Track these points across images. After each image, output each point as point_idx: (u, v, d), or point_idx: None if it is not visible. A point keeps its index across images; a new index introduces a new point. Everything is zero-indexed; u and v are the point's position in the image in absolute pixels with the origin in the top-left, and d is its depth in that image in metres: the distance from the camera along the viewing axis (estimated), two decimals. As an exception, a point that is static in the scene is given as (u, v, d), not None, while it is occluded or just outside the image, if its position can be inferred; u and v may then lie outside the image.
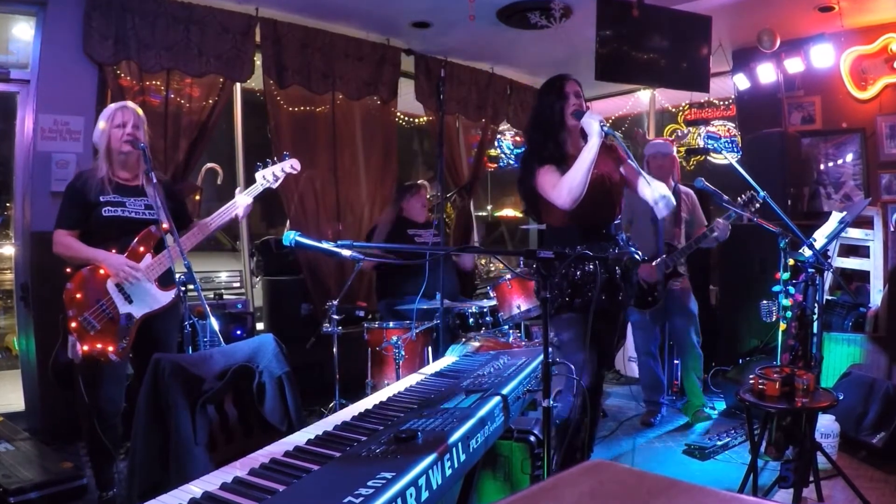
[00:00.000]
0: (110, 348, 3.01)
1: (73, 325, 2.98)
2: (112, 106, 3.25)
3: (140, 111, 3.26)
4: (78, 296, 3.02)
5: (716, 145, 7.29)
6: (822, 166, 5.92)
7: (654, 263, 4.40)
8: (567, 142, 3.06)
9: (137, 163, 3.22)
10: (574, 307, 2.96)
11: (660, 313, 4.62)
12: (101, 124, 3.18)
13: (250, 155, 5.65)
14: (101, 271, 3.06)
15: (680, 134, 7.33)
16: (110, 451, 3.18)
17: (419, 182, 5.19)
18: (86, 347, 2.99)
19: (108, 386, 3.14)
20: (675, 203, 3.15)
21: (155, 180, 3.08)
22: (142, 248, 3.12)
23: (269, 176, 3.43)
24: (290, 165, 3.48)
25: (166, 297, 3.16)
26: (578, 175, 2.86)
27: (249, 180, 5.52)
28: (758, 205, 3.92)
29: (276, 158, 3.49)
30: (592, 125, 2.89)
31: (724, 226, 4.21)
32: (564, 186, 2.88)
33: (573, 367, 2.83)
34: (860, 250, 5.17)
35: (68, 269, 3.10)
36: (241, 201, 3.36)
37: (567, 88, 3.03)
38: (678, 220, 4.56)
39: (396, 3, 5.03)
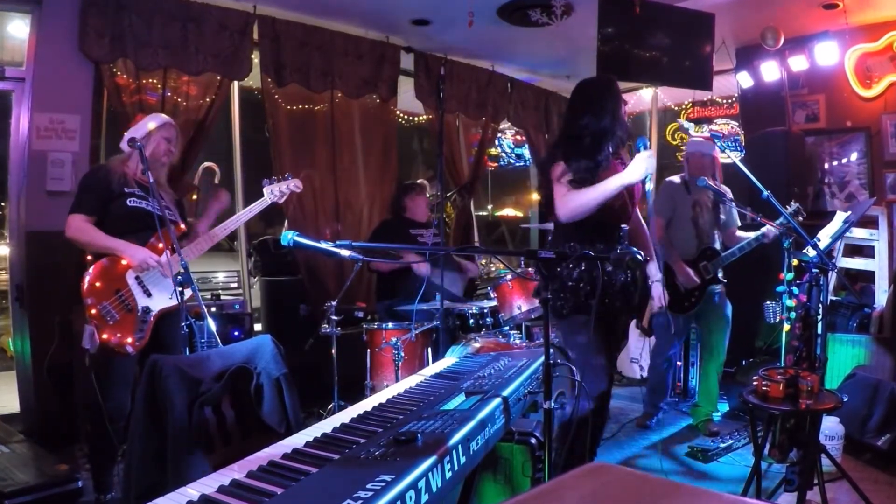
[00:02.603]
0: (128, 339, 3.04)
1: (93, 311, 2.99)
2: (165, 117, 3.43)
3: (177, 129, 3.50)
4: (98, 285, 3.04)
5: (719, 144, 7.23)
6: (826, 165, 5.89)
7: (696, 268, 4.34)
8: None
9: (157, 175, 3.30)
10: (589, 309, 2.93)
11: (691, 318, 4.56)
12: (152, 125, 3.31)
13: (248, 154, 5.63)
14: (124, 262, 3.09)
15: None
16: (115, 452, 3.18)
17: (420, 181, 5.16)
18: (105, 336, 3.00)
19: (117, 388, 3.14)
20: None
21: (152, 179, 3.08)
22: (161, 245, 3.16)
23: (277, 192, 3.62)
24: (295, 185, 3.69)
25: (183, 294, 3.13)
26: (593, 200, 2.82)
27: (247, 180, 5.57)
28: (801, 217, 3.87)
29: (280, 177, 3.69)
30: (640, 168, 2.79)
31: (776, 233, 4.00)
32: (573, 203, 2.84)
33: (590, 370, 2.80)
34: (865, 250, 5.15)
35: (89, 257, 3.12)
36: (244, 216, 3.55)
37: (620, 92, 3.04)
38: (717, 223, 4.48)
39: (396, 0, 4.99)
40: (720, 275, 4.42)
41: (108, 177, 3.19)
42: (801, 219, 3.89)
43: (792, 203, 4.01)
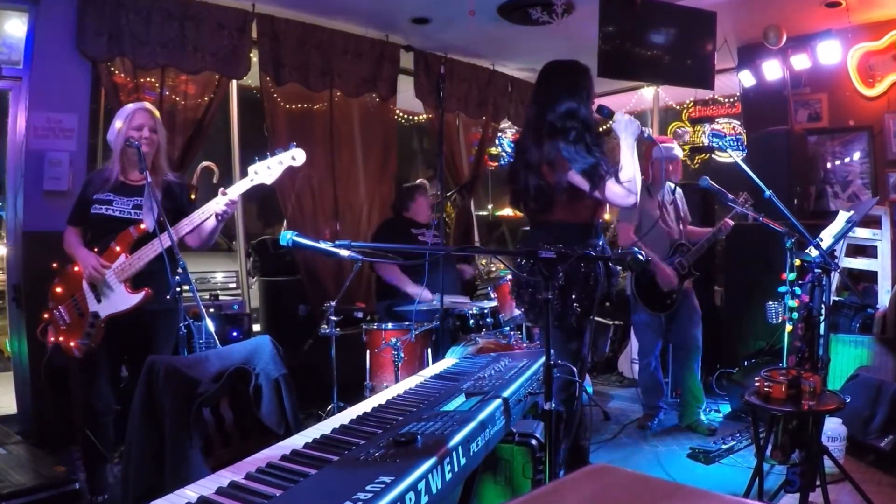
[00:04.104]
0: (72, 343, 3.06)
1: (46, 315, 3.14)
2: (130, 106, 3.25)
3: (157, 113, 3.28)
4: (59, 290, 3.15)
5: (720, 143, 7.25)
6: (828, 165, 5.88)
7: (672, 266, 4.39)
8: None
9: (153, 164, 3.22)
10: (590, 312, 2.92)
11: (670, 315, 4.56)
12: (118, 124, 3.19)
13: (247, 153, 5.59)
14: (77, 269, 3.13)
15: (680, 132, 7.30)
16: (103, 453, 3.17)
17: (419, 181, 5.14)
18: (52, 339, 3.11)
19: (101, 384, 3.15)
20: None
21: (149, 179, 3.04)
22: (118, 248, 3.11)
23: (263, 169, 3.06)
24: (292, 156, 3.06)
25: (132, 299, 3.08)
26: (638, 175, 2.88)
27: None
28: (751, 203, 4.02)
29: (279, 150, 3.09)
30: (630, 128, 2.89)
31: (730, 226, 4.35)
32: (632, 188, 2.87)
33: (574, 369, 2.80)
34: (868, 250, 5.12)
35: (55, 265, 3.19)
36: (228, 196, 3.10)
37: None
38: (680, 220, 4.59)
39: (396, -2, 4.98)
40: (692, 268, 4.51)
41: (87, 185, 3.23)
42: (751, 202, 4.11)
43: (741, 194, 4.15)
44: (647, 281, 4.41)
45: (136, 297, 3.08)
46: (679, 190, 4.70)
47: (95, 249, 3.10)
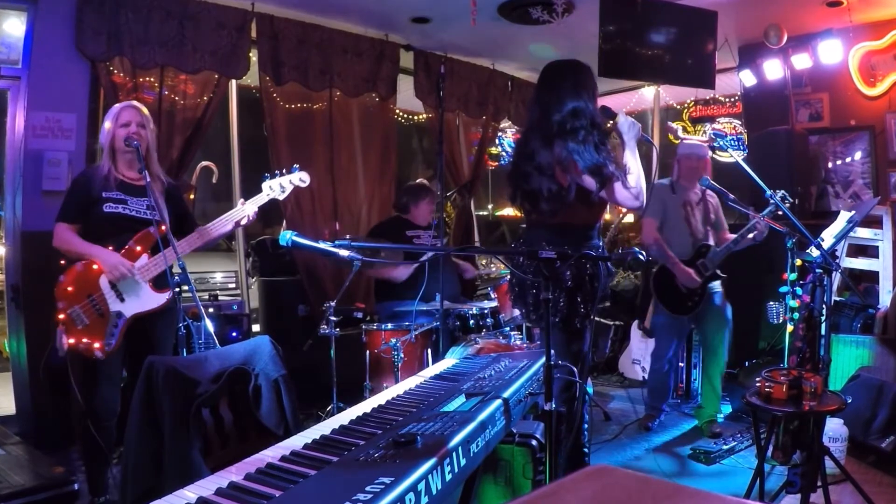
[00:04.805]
0: (96, 345, 3.01)
1: (62, 317, 3.01)
2: (117, 105, 3.30)
3: (145, 110, 3.30)
4: (70, 289, 3.03)
5: (721, 143, 7.22)
6: (829, 164, 5.86)
7: (694, 267, 4.33)
8: None
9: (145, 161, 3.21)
10: (593, 312, 2.92)
11: (692, 319, 4.53)
12: (107, 124, 3.22)
13: (246, 153, 5.60)
14: (95, 267, 3.06)
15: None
16: (105, 454, 3.16)
17: (428, 185, 5.11)
18: (72, 340, 2.99)
19: (103, 387, 3.13)
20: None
21: (148, 179, 3.06)
22: (139, 248, 3.11)
23: (277, 187, 3.40)
24: (300, 178, 3.45)
25: (159, 298, 3.12)
26: (642, 176, 2.86)
27: (245, 179, 5.56)
28: (788, 203, 3.83)
29: (284, 170, 3.45)
30: (633, 130, 2.88)
31: (765, 226, 4.07)
32: (640, 190, 2.86)
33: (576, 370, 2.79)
34: (869, 250, 5.11)
35: (62, 262, 3.10)
36: (247, 210, 3.32)
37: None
38: (708, 221, 4.49)
39: (395, -3, 4.96)
40: (718, 271, 4.40)
41: (88, 182, 3.17)
42: (787, 204, 3.84)
43: (777, 192, 3.98)
44: (668, 282, 4.37)
45: (164, 296, 3.11)
46: (713, 193, 4.46)
47: (111, 248, 3.07)
